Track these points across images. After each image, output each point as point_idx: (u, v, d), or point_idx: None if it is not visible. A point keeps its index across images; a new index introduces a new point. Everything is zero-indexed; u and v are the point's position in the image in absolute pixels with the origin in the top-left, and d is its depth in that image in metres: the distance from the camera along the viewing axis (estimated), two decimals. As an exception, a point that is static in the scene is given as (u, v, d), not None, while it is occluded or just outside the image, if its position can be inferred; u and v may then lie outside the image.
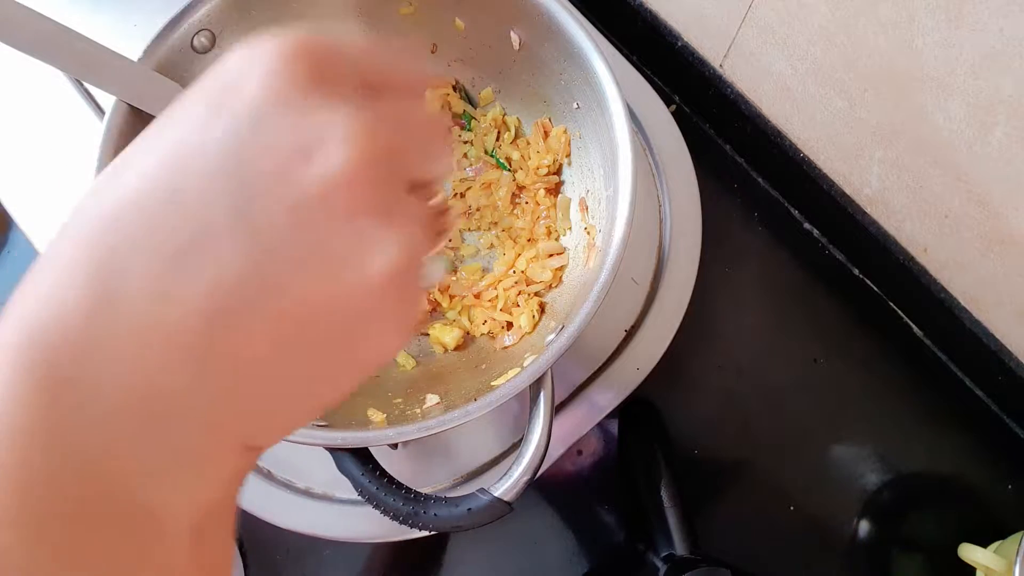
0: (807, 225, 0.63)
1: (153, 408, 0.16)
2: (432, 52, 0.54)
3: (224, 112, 0.16)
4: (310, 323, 0.17)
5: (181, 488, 0.17)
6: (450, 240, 0.55)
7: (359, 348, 0.18)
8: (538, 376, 0.39)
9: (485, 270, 0.53)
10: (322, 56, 0.17)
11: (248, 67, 0.16)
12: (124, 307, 0.15)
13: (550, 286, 0.51)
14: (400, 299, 0.18)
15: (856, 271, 0.61)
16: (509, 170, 0.55)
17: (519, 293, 0.50)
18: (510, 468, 0.38)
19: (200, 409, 0.17)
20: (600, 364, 0.53)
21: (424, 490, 0.40)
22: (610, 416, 0.52)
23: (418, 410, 0.43)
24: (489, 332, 0.51)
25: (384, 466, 0.39)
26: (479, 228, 0.55)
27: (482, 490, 0.38)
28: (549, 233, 0.53)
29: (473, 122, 0.56)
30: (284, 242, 0.16)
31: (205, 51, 0.47)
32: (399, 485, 0.39)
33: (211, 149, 0.16)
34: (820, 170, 0.58)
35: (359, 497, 0.39)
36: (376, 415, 0.42)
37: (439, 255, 0.23)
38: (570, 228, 0.52)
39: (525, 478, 0.38)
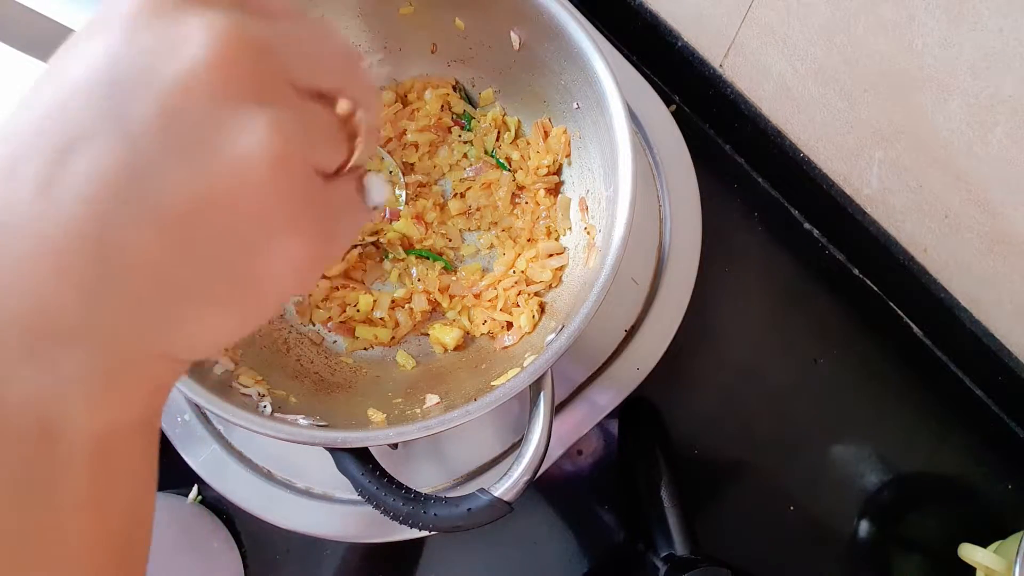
0: (807, 225, 0.63)
1: (44, 320, 0.16)
2: (432, 52, 0.55)
3: (100, 32, 0.17)
4: (195, 217, 0.17)
5: (80, 403, 0.17)
6: (450, 240, 0.55)
7: (258, 252, 0.18)
8: (538, 376, 0.39)
9: (485, 270, 0.53)
10: None
11: None
12: (13, 215, 0.16)
13: (550, 286, 0.51)
14: (293, 193, 0.18)
15: (856, 271, 0.61)
16: (509, 170, 0.55)
17: (519, 293, 0.50)
18: (510, 468, 0.38)
19: (94, 318, 0.17)
20: (600, 364, 0.53)
21: (424, 490, 0.40)
22: (610, 416, 0.52)
23: (418, 410, 0.43)
24: (489, 332, 0.51)
25: (384, 466, 0.39)
26: (479, 228, 0.55)
27: (482, 490, 0.38)
28: (549, 233, 0.53)
29: (473, 122, 0.56)
30: (149, 136, 0.16)
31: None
32: (399, 485, 0.39)
33: (88, 66, 0.16)
34: (820, 170, 0.58)
35: (359, 497, 0.39)
36: (376, 415, 0.42)
37: (378, 172, 0.23)
38: (570, 228, 0.52)
39: (525, 478, 0.38)
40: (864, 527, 0.56)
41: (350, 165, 0.21)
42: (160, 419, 0.21)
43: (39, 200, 0.16)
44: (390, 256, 0.54)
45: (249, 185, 0.17)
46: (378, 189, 0.22)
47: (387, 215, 0.53)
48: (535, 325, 0.49)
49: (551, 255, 0.51)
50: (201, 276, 0.17)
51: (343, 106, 0.20)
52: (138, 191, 0.16)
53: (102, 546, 0.19)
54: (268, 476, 0.51)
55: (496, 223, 0.54)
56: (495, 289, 0.51)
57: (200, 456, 0.51)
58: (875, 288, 0.61)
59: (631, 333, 0.54)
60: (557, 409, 0.51)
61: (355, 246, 0.53)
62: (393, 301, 0.52)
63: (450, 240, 0.55)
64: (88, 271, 0.16)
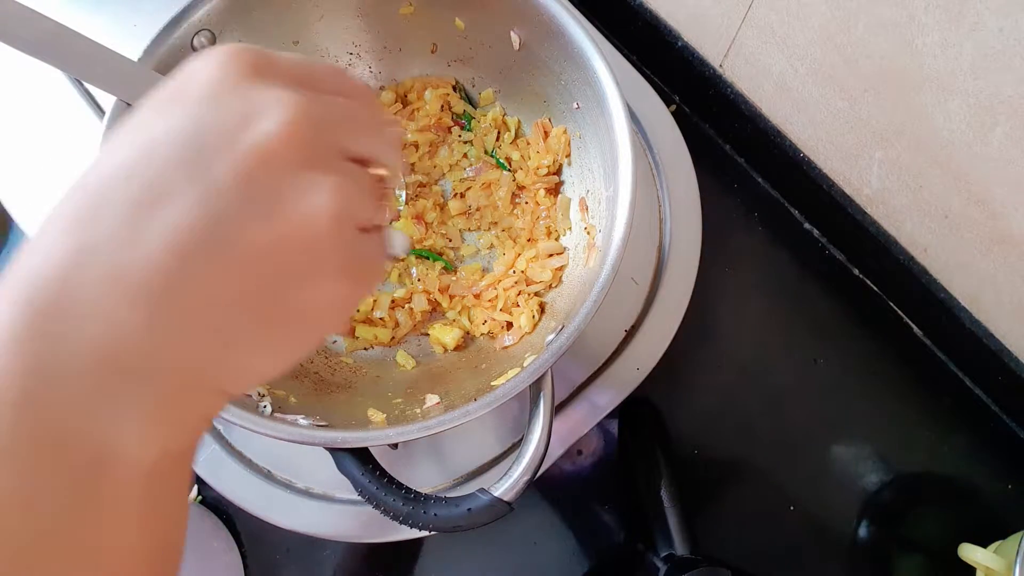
0: (807, 225, 0.63)
1: (118, 355, 0.18)
2: (432, 52, 0.55)
3: (180, 100, 0.20)
4: (260, 262, 0.19)
5: (134, 435, 0.19)
6: (451, 240, 0.55)
7: (310, 292, 0.20)
8: (538, 376, 0.39)
9: (485, 270, 0.53)
10: (262, 54, 0.21)
11: (200, 65, 0.20)
12: (96, 255, 0.18)
13: (550, 286, 0.51)
14: (343, 244, 0.20)
15: (856, 271, 0.61)
16: (509, 170, 0.55)
17: (519, 293, 0.50)
18: (510, 468, 0.38)
19: (158, 351, 0.18)
20: (600, 364, 0.53)
21: (424, 490, 0.40)
22: (610, 416, 0.52)
23: (418, 410, 0.43)
24: (489, 332, 0.51)
25: (384, 466, 0.39)
26: (479, 228, 0.55)
27: (482, 490, 0.38)
28: (549, 233, 0.53)
29: (473, 122, 0.56)
30: (231, 194, 0.18)
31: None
32: (399, 485, 0.39)
33: (170, 129, 0.19)
34: (820, 170, 0.58)
35: (359, 497, 0.39)
36: (376, 415, 0.42)
37: (399, 229, 0.26)
38: (570, 228, 0.52)
39: (525, 478, 0.38)
40: (864, 527, 0.56)
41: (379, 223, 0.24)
42: (195, 452, 0.23)
43: (123, 242, 0.18)
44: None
45: (312, 237, 0.20)
46: (399, 241, 0.26)
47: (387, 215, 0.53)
48: (535, 325, 0.49)
49: (551, 255, 0.51)
50: (260, 314, 0.20)
51: (378, 170, 0.23)
52: (216, 238, 0.18)
53: (141, 570, 0.20)
54: (268, 476, 0.51)
55: (496, 223, 0.54)
56: (495, 289, 0.51)
57: (200, 456, 0.51)
58: (875, 288, 0.61)
59: (631, 333, 0.54)
60: (557, 409, 0.51)
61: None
62: (393, 301, 0.52)
63: (450, 240, 0.55)
64: (159, 307, 0.18)
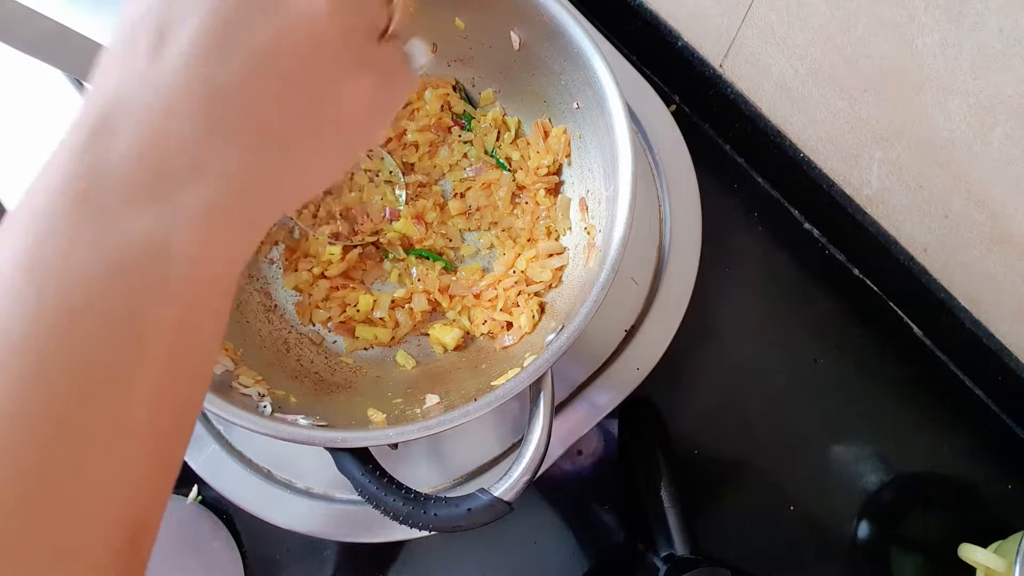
0: (807, 225, 0.63)
1: (161, 157, 0.19)
2: (432, 52, 0.54)
3: None
4: (276, 57, 0.20)
5: (187, 235, 0.20)
6: (451, 240, 0.55)
7: (335, 89, 0.21)
8: (538, 376, 0.39)
9: (485, 270, 0.53)
10: None
11: None
12: (133, 76, 0.20)
13: (550, 286, 0.51)
14: (352, 38, 0.21)
15: (856, 271, 0.61)
16: (509, 170, 0.55)
17: (519, 293, 0.50)
18: (510, 468, 0.38)
19: (203, 148, 0.20)
20: (600, 364, 0.53)
21: (424, 490, 0.40)
22: (610, 416, 0.52)
23: (418, 410, 0.43)
24: (489, 332, 0.51)
25: (384, 466, 0.39)
26: (479, 228, 0.55)
27: (482, 490, 0.38)
28: (549, 233, 0.53)
29: (473, 122, 0.56)
30: (232, 2, 0.20)
31: (205, 51, 0.47)
32: (399, 485, 0.39)
33: None
34: (820, 170, 0.58)
35: (359, 497, 0.39)
36: (376, 415, 0.42)
37: (417, 40, 0.27)
38: (570, 228, 0.52)
39: (525, 478, 0.38)
40: (864, 527, 0.56)
41: (392, 29, 0.24)
42: (236, 284, 0.23)
43: (151, 63, 0.19)
44: (390, 256, 0.54)
45: (316, 30, 0.20)
46: (420, 52, 0.26)
47: (387, 215, 0.53)
48: (535, 325, 0.49)
49: (551, 255, 0.51)
50: (285, 110, 0.21)
51: None
52: (227, 41, 0.20)
53: (163, 417, 0.21)
54: (268, 476, 0.51)
55: (496, 223, 0.54)
56: (495, 289, 0.51)
57: (200, 456, 0.51)
58: (875, 288, 0.61)
59: (631, 333, 0.54)
60: (557, 409, 0.51)
61: (355, 246, 0.53)
62: (393, 301, 0.52)
63: (450, 240, 0.55)
64: (196, 108, 0.19)
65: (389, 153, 0.55)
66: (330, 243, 0.52)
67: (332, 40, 0.21)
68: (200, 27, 0.19)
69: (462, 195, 0.55)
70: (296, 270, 0.52)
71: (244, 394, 0.41)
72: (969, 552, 0.49)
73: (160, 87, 0.19)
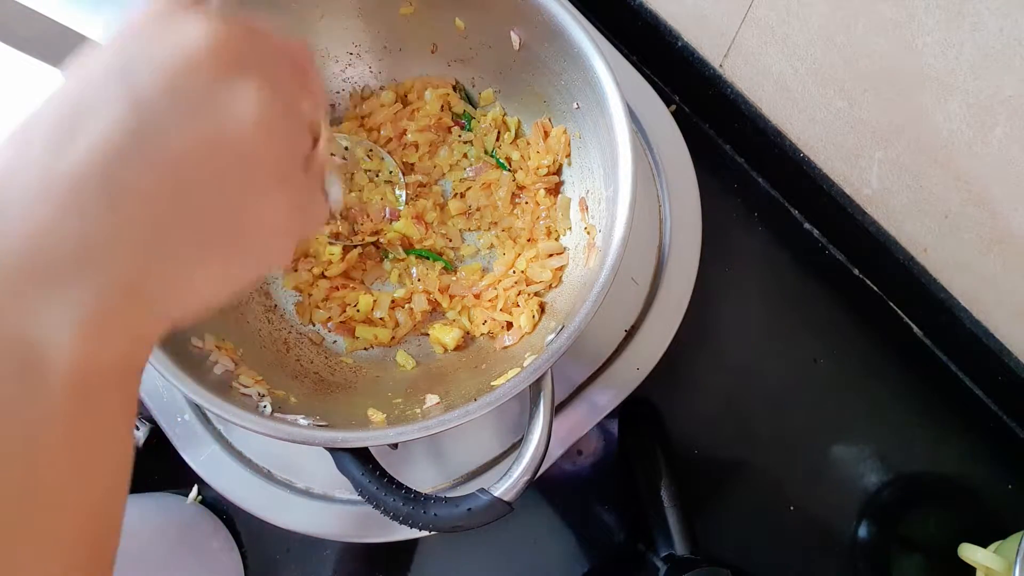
0: (807, 225, 0.63)
1: (48, 256, 0.18)
2: (432, 52, 0.54)
3: (116, 36, 0.20)
4: (191, 163, 0.19)
5: (65, 334, 0.18)
6: (451, 240, 0.55)
7: (246, 204, 0.20)
8: (538, 376, 0.39)
9: (485, 270, 0.53)
10: None
11: (133, 12, 0.21)
12: (28, 164, 0.18)
13: (550, 286, 0.51)
14: (275, 154, 0.21)
15: (856, 271, 0.61)
16: (509, 170, 0.55)
17: (519, 293, 0.50)
18: (510, 468, 0.38)
19: (91, 249, 0.18)
20: (600, 364, 0.53)
21: (424, 490, 0.40)
22: (610, 416, 0.52)
23: (418, 410, 0.43)
24: (489, 332, 0.51)
25: (384, 466, 0.39)
26: (479, 228, 0.55)
27: (482, 490, 0.38)
28: (549, 233, 0.53)
29: (473, 122, 0.56)
30: (157, 100, 0.19)
31: (205, 51, 0.47)
32: (399, 485, 0.39)
33: (101, 58, 0.20)
34: (820, 170, 0.58)
35: (359, 497, 0.39)
36: (376, 415, 0.42)
37: (334, 176, 0.26)
38: (570, 228, 0.52)
39: (525, 478, 0.38)
40: (864, 527, 0.56)
41: (315, 158, 0.23)
42: (139, 383, 0.22)
43: (51, 154, 0.18)
44: (390, 256, 0.54)
45: (240, 140, 0.19)
46: (336, 188, 0.25)
47: (387, 215, 0.53)
48: (535, 325, 0.49)
49: (551, 255, 0.51)
50: (193, 221, 0.20)
51: (305, 106, 0.23)
52: (142, 142, 0.18)
53: (78, 507, 0.19)
54: (268, 476, 0.51)
55: (496, 223, 0.54)
56: (495, 289, 0.51)
57: (200, 456, 0.51)
58: (875, 288, 0.61)
59: (631, 333, 0.54)
60: (557, 409, 0.51)
61: (355, 246, 0.53)
62: (393, 301, 0.52)
63: (450, 240, 0.55)
64: (90, 206, 0.18)
65: (389, 153, 0.55)
66: (330, 243, 0.52)
67: (255, 158, 0.20)
68: (117, 121, 0.18)
69: (462, 195, 0.55)
70: (296, 270, 0.52)
71: (244, 394, 0.41)
72: (969, 552, 0.49)
73: (55, 183, 0.18)
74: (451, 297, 0.52)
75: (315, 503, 0.51)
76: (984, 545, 0.50)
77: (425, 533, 0.42)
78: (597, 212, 0.48)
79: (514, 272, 0.52)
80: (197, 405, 0.45)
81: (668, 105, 0.60)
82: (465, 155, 0.56)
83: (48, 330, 0.18)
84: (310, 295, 0.52)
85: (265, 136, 0.20)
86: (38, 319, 0.18)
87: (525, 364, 0.40)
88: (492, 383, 0.41)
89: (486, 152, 0.55)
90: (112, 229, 0.18)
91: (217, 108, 0.19)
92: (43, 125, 0.19)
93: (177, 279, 0.20)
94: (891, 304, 0.60)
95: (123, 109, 0.18)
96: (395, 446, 0.50)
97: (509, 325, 0.50)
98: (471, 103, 0.56)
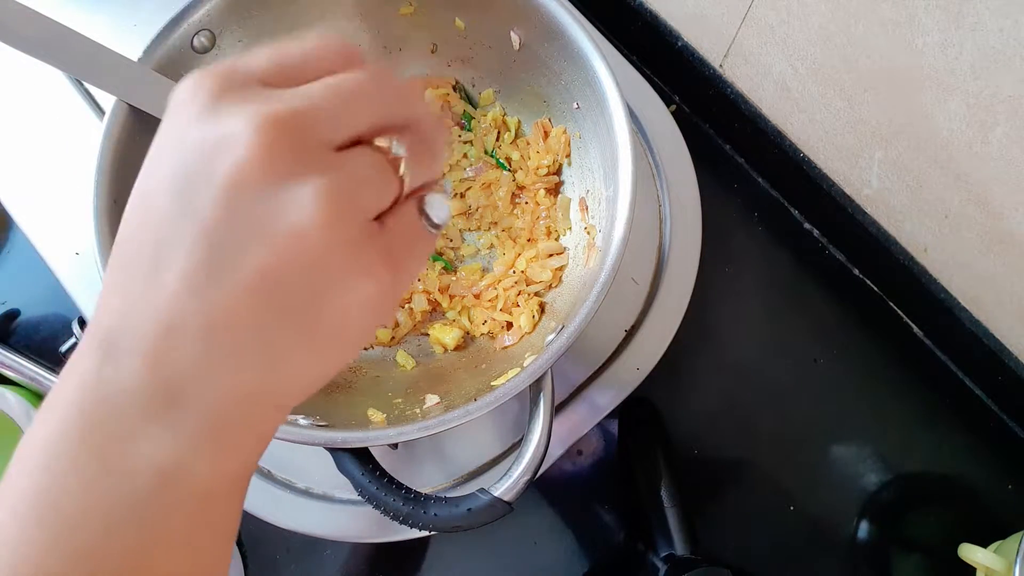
0: (807, 225, 0.63)
1: (165, 385, 0.20)
2: (432, 52, 0.55)
3: (161, 148, 0.21)
4: (273, 285, 0.20)
5: (196, 455, 0.20)
6: (451, 240, 0.55)
7: (337, 299, 0.20)
8: (538, 376, 0.39)
9: (485, 270, 0.53)
10: (225, 71, 0.21)
11: (171, 106, 0.21)
12: (134, 308, 0.20)
13: (550, 286, 0.51)
14: (350, 244, 0.20)
15: (856, 271, 0.61)
16: (509, 170, 0.55)
17: (519, 293, 0.50)
18: (510, 468, 0.38)
19: (203, 375, 0.20)
20: (600, 364, 0.53)
21: (424, 490, 0.40)
22: (610, 416, 0.52)
23: (418, 410, 0.43)
24: (489, 332, 0.51)
25: (384, 466, 0.39)
26: (479, 228, 0.55)
27: (482, 490, 0.38)
28: (549, 233, 0.53)
29: (473, 122, 0.56)
30: (220, 227, 0.19)
31: (205, 51, 0.47)
32: (399, 485, 0.39)
33: (159, 179, 0.20)
34: (820, 170, 0.58)
35: (359, 497, 0.39)
36: (376, 415, 0.42)
37: (437, 191, 0.24)
38: (570, 228, 0.52)
39: (525, 478, 0.38)
40: (864, 527, 0.56)
41: (405, 192, 0.23)
42: (254, 471, 0.24)
43: (148, 290, 0.20)
44: (390, 256, 0.54)
45: (309, 250, 0.19)
46: (438, 205, 0.23)
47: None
48: (535, 325, 0.49)
49: (551, 255, 0.51)
50: (286, 327, 0.20)
51: (381, 142, 0.22)
52: (221, 270, 0.19)
53: None
54: (268, 476, 0.51)
55: (496, 223, 0.54)
56: (495, 289, 0.51)
57: (200, 456, 0.51)
58: (875, 288, 0.61)
59: (631, 333, 0.54)
60: (557, 409, 0.51)
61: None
62: (393, 301, 0.52)
63: (450, 240, 0.55)
64: (193, 336, 0.19)
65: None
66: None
67: (326, 252, 0.20)
68: (192, 252, 0.19)
69: (462, 195, 0.55)
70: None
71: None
72: (969, 552, 0.49)
73: (160, 309, 0.20)
74: (451, 297, 0.52)
75: (315, 503, 0.51)
76: (984, 545, 0.50)
77: (425, 533, 0.43)
78: (597, 212, 0.48)
79: (514, 272, 0.52)
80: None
81: (668, 105, 0.60)
82: (465, 155, 0.56)
83: (176, 450, 0.20)
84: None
85: (333, 236, 0.20)
86: (165, 442, 0.20)
87: (525, 364, 0.40)
88: (492, 383, 0.41)
89: (486, 152, 0.55)
90: (214, 347, 0.20)
91: (276, 223, 0.19)
92: (134, 264, 0.20)
93: (288, 378, 0.21)
94: (891, 304, 0.60)
95: (192, 241, 0.19)
96: (395, 446, 0.50)
97: (509, 325, 0.50)
98: (471, 103, 0.56)
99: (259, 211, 0.19)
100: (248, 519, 0.51)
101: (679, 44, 0.60)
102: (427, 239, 0.24)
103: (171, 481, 0.20)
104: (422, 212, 0.23)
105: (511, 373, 0.41)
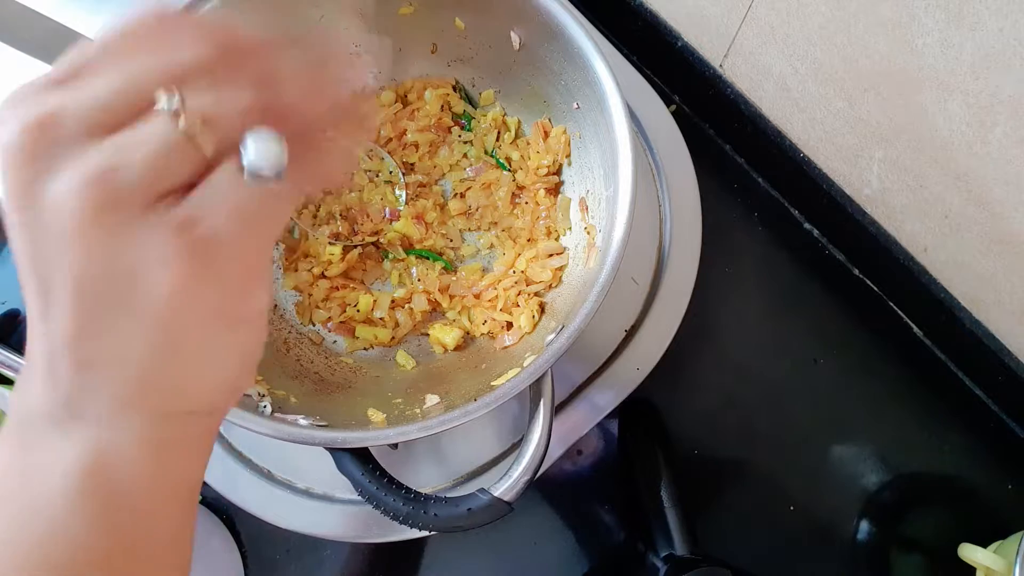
0: (807, 225, 0.63)
1: (64, 403, 0.21)
2: (432, 52, 0.55)
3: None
4: (83, 291, 0.19)
5: (108, 462, 0.21)
6: (451, 240, 0.55)
7: (140, 292, 0.20)
8: (538, 376, 0.39)
9: (485, 270, 0.53)
10: (43, 123, 0.19)
11: None
12: (31, 344, 0.21)
13: (550, 286, 0.51)
14: (116, 225, 0.19)
15: (856, 271, 0.61)
16: (509, 170, 0.55)
17: (519, 293, 0.50)
18: (510, 468, 0.38)
19: (87, 390, 0.21)
20: (600, 364, 0.53)
21: (424, 490, 0.40)
22: (610, 416, 0.52)
23: (418, 410, 0.43)
24: (489, 332, 0.51)
25: (384, 466, 0.39)
26: (479, 228, 0.55)
27: (482, 490, 0.38)
28: (549, 233, 0.53)
29: (473, 122, 0.56)
30: (35, 250, 0.19)
31: (205, 51, 0.47)
32: (399, 485, 0.39)
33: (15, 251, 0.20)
34: (820, 170, 0.58)
35: (359, 497, 0.39)
36: (376, 415, 0.42)
37: (257, 132, 0.19)
38: (570, 228, 0.52)
39: (525, 478, 0.38)
40: (864, 527, 0.56)
41: (210, 152, 0.19)
42: (194, 482, 0.25)
43: (32, 327, 0.21)
44: (390, 256, 0.54)
45: (86, 245, 0.19)
46: (255, 149, 0.19)
47: (387, 215, 0.53)
48: (535, 325, 0.48)
49: (551, 255, 0.51)
50: (115, 328, 0.20)
51: (183, 125, 0.19)
52: (46, 291, 0.19)
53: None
54: (268, 476, 0.51)
55: (496, 223, 0.54)
56: (495, 289, 0.51)
57: (200, 456, 0.51)
58: (875, 288, 0.61)
59: (631, 333, 0.54)
60: (557, 409, 0.51)
61: (355, 246, 0.53)
62: (393, 301, 0.52)
63: (450, 240, 0.55)
64: (60, 357, 0.20)
65: (389, 153, 0.55)
66: (330, 243, 0.52)
67: (109, 245, 0.19)
68: (28, 286, 0.20)
69: (462, 195, 0.55)
70: (296, 270, 0.52)
71: (244, 394, 0.41)
72: (969, 552, 0.49)
73: (36, 340, 0.21)
74: (451, 297, 0.52)
75: (315, 503, 0.51)
76: (984, 545, 0.50)
77: (425, 533, 0.43)
78: (597, 212, 0.48)
79: (514, 272, 0.52)
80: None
81: (668, 105, 0.60)
82: (465, 155, 0.56)
83: (81, 458, 0.21)
84: (310, 295, 0.52)
85: (96, 225, 0.18)
86: (67, 450, 0.21)
87: (525, 364, 0.40)
88: (492, 383, 0.41)
89: (486, 152, 0.55)
90: (74, 366, 0.20)
91: (52, 222, 0.18)
92: (30, 291, 0.20)
93: (150, 381, 0.21)
94: (891, 304, 0.60)
95: (26, 276, 0.20)
96: (395, 446, 0.50)
97: (509, 325, 0.50)
98: (471, 103, 0.56)
99: (41, 221, 0.19)
100: (248, 519, 0.51)
101: (679, 44, 0.60)
102: (253, 195, 0.20)
103: (84, 481, 0.21)
104: (242, 165, 0.19)
105: (511, 373, 0.41)
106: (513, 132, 0.55)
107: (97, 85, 0.19)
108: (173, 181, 0.19)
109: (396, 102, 0.56)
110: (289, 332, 0.51)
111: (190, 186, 0.19)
